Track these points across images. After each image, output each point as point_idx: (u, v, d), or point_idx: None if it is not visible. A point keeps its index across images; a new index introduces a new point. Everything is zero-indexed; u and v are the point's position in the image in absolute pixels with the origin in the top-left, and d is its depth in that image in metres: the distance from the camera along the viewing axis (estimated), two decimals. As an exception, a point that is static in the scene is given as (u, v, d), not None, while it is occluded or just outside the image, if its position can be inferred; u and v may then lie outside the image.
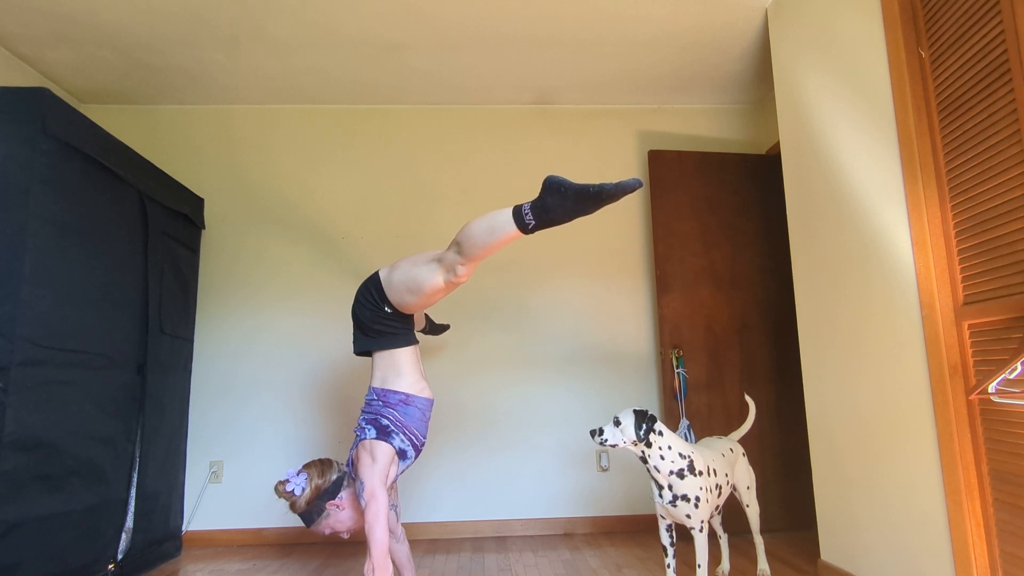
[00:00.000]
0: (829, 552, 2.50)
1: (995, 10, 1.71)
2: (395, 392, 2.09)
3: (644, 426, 2.13)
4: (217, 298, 3.55)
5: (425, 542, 3.29)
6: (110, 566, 2.56)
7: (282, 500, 2.12)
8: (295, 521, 3.37)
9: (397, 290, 2.01)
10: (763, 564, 2.50)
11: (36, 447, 2.19)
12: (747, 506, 2.47)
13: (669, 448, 2.16)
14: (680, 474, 2.14)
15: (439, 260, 1.94)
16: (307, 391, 3.48)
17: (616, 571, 2.67)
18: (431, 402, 2.18)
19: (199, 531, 3.33)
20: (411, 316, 2.14)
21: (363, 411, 2.13)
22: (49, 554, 2.24)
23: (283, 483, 2.04)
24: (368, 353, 2.17)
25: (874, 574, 2.22)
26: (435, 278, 1.93)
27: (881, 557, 2.19)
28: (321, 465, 2.10)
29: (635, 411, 2.16)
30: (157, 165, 3.40)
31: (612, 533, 3.39)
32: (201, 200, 3.43)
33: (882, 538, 2.18)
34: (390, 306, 2.04)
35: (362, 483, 1.96)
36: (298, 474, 2.05)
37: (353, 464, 2.07)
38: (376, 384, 2.12)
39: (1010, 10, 1.65)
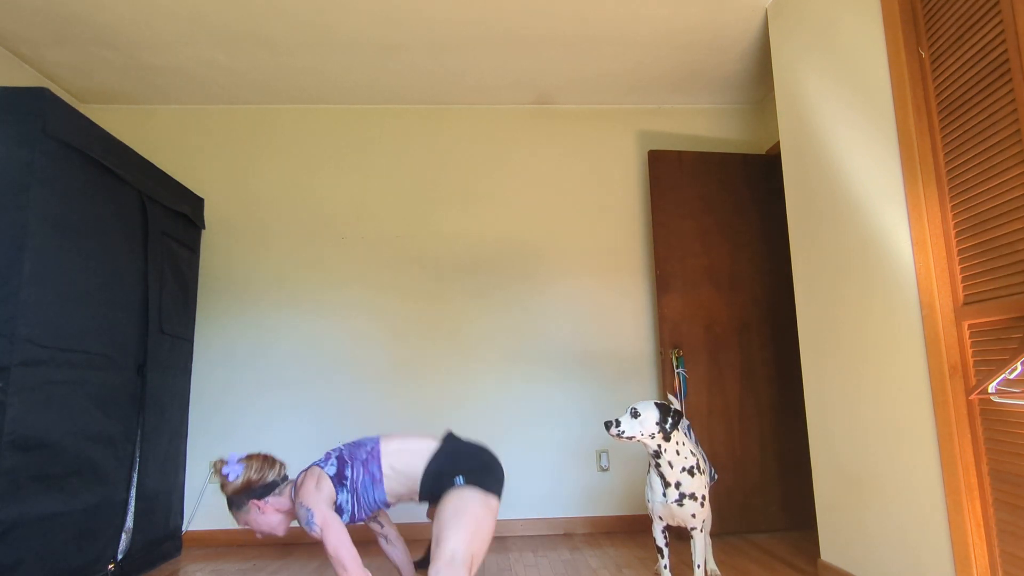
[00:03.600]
0: (829, 552, 2.50)
1: (995, 10, 1.71)
2: (380, 469, 2.02)
3: (671, 420, 2.11)
4: (217, 298, 3.55)
5: (425, 542, 3.29)
6: (110, 566, 2.56)
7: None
8: (294, 521, 3.36)
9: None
10: (712, 564, 2.54)
11: (36, 447, 2.19)
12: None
13: (683, 444, 2.15)
14: (691, 472, 2.13)
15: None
16: (307, 390, 3.48)
17: (616, 571, 2.67)
18: (389, 504, 2.09)
19: (199, 531, 3.33)
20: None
21: (346, 444, 2.09)
22: (49, 554, 2.24)
23: (222, 463, 2.01)
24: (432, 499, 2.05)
25: (874, 574, 2.22)
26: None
27: (881, 557, 2.19)
28: (263, 462, 2.06)
29: (657, 404, 2.13)
30: (157, 165, 3.39)
31: (612, 533, 3.39)
32: (201, 200, 3.43)
33: (882, 538, 2.18)
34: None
35: (309, 511, 1.91)
36: (238, 462, 2.02)
37: (297, 487, 2.03)
38: (387, 472, 2.03)
39: (1010, 10, 1.65)
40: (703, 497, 2.13)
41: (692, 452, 2.17)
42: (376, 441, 2.06)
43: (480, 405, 3.52)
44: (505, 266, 3.65)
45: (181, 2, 2.76)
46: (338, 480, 1.98)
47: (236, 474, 2.01)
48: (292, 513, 2.08)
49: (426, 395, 3.51)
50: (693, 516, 2.12)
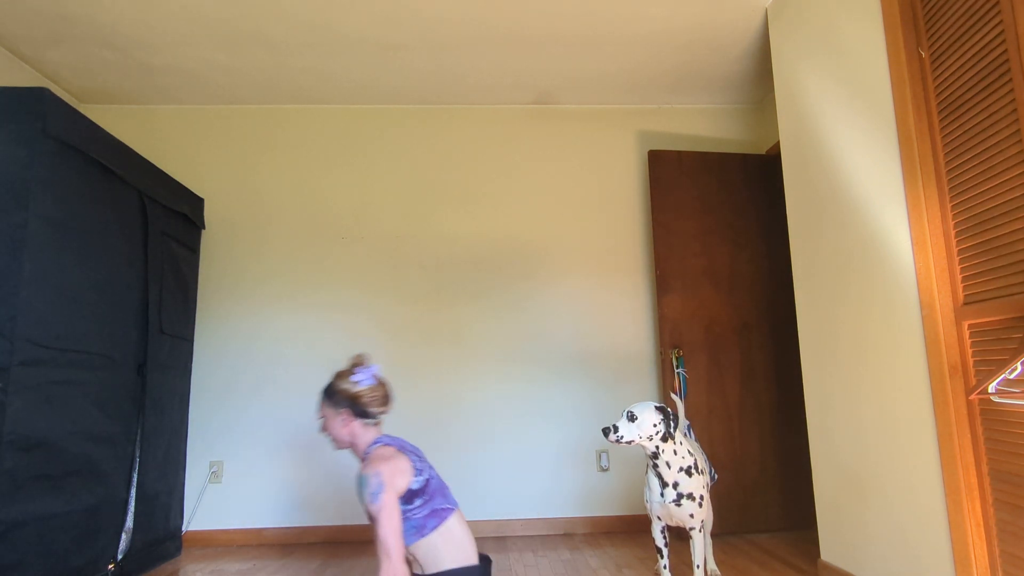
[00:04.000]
0: (829, 552, 2.50)
1: (995, 10, 1.71)
2: (431, 531, 1.93)
3: (672, 423, 2.11)
4: (217, 298, 3.55)
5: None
6: (110, 566, 2.56)
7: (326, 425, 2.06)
8: (295, 521, 3.37)
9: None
10: (712, 565, 2.55)
11: (36, 447, 2.19)
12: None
13: (680, 444, 2.15)
14: (688, 472, 2.13)
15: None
16: (307, 391, 3.48)
17: (616, 571, 2.67)
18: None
19: (199, 531, 3.33)
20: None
21: (440, 481, 2.01)
22: (49, 554, 2.24)
23: (362, 362, 2.01)
24: None
25: (874, 574, 2.22)
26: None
27: (881, 557, 2.19)
28: (383, 397, 2.03)
29: (658, 407, 2.13)
30: (157, 165, 3.40)
31: (612, 533, 3.39)
32: (201, 200, 3.43)
33: (882, 538, 2.18)
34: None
35: (381, 485, 1.86)
36: (373, 376, 2.01)
37: (377, 453, 1.96)
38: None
39: (1010, 10, 1.65)
40: (701, 497, 2.13)
41: (690, 452, 2.17)
42: (452, 508, 2.01)
43: (480, 405, 3.52)
44: (505, 266, 3.65)
45: (181, 2, 2.76)
46: (409, 495, 1.94)
47: (360, 382, 1.99)
48: (356, 448, 2.05)
49: (426, 395, 3.51)
50: (691, 516, 2.11)
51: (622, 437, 2.10)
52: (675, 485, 2.12)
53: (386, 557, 1.82)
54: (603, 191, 3.76)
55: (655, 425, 2.10)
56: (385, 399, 2.04)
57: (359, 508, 3.40)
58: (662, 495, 2.14)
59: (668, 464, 2.12)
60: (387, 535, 1.83)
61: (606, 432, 2.10)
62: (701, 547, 2.14)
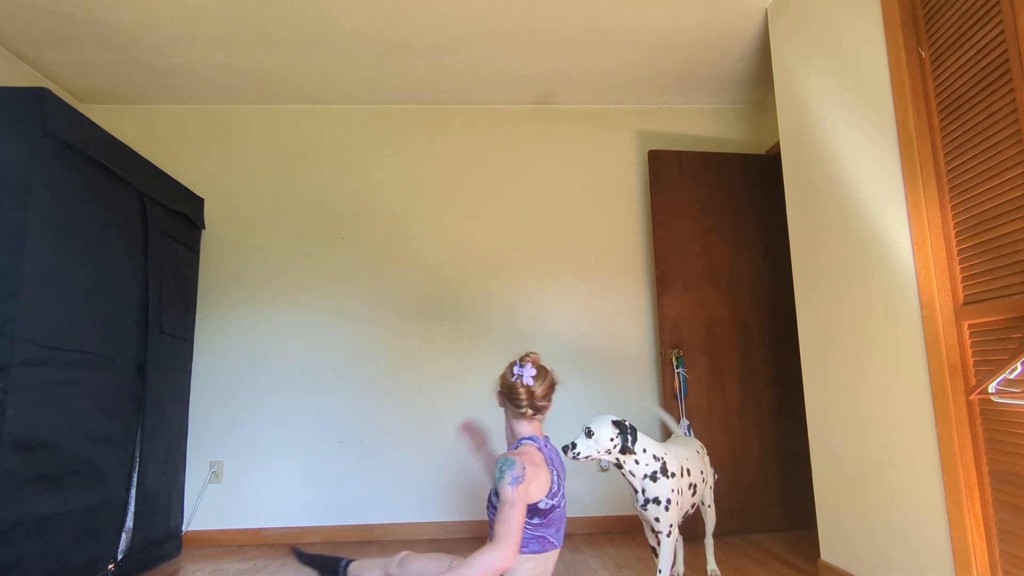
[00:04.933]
0: (829, 552, 2.50)
1: (995, 10, 1.71)
2: (536, 546, 1.91)
3: (629, 437, 2.11)
4: (217, 298, 3.55)
5: (425, 542, 3.30)
6: (110, 566, 2.57)
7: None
8: (295, 521, 3.37)
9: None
10: (712, 565, 2.55)
11: (36, 447, 2.19)
12: (709, 506, 2.50)
13: (644, 451, 2.14)
14: (653, 477, 2.12)
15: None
16: (307, 391, 3.48)
17: (616, 571, 2.67)
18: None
19: (199, 531, 3.33)
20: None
21: (562, 516, 1.98)
22: (49, 554, 2.24)
23: (532, 361, 2.01)
24: None
25: (874, 574, 2.22)
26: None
27: (881, 557, 2.19)
28: (521, 393, 2.01)
29: (615, 422, 2.12)
30: (157, 165, 3.40)
31: (612, 533, 3.39)
32: (201, 200, 3.43)
33: (882, 538, 2.18)
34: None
35: (522, 478, 1.81)
36: (532, 377, 1.99)
37: (522, 450, 1.93)
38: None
39: (1010, 10, 1.65)
40: (668, 501, 2.11)
41: (656, 457, 2.14)
42: (557, 547, 1.99)
43: (480, 405, 3.51)
44: (504, 265, 3.65)
45: (181, 1, 2.76)
46: (531, 510, 1.91)
47: (522, 376, 2.01)
48: (508, 432, 2.06)
49: (425, 395, 3.51)
50: (657, 520, 2.12)
51: (579, 454, 2.10)
52: (643, 491, 2.14)
53: (507, 541, 1.76)
54: (603, 191, 3.76)
55: (612, 439, 2.10)
56: (523, 398, 2.00)
57: (359, 509, 3.41)
58: (636, 499, 2.18)
59: (632, 473, 2.14)
60: (511, 525, 1.77)
61: (565, 450, 2.11)
62: (669, 553, 2.11)
